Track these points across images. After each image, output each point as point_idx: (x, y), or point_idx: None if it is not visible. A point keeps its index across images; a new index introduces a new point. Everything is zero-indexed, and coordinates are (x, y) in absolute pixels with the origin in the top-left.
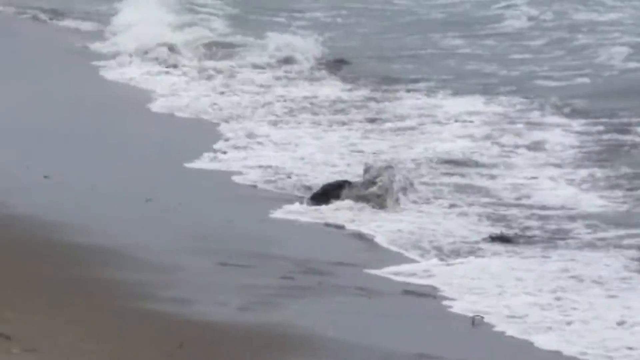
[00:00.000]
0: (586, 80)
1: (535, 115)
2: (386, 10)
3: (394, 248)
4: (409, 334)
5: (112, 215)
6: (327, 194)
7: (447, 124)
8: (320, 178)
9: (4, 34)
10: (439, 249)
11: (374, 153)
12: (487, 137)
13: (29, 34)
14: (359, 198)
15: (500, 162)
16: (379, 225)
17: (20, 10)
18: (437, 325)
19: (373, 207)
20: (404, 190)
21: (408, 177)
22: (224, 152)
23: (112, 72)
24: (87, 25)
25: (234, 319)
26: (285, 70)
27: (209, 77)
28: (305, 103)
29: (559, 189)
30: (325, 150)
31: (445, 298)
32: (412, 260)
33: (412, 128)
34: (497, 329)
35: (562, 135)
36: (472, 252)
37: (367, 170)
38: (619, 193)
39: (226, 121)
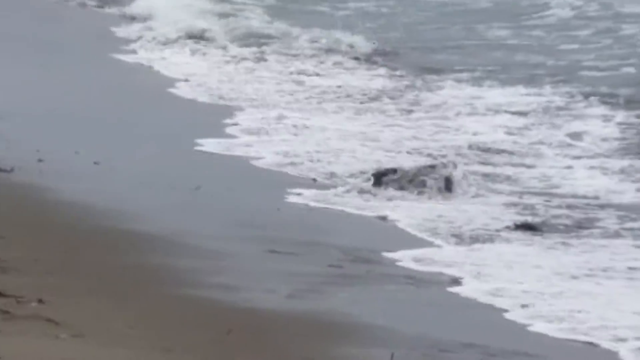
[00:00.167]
0: (631, 70)
1: (578, 106)
2: (431, 1)
3: (438, 240)
4: (457, 323)
5: (162, 201)
6: (377, 181)
7: (485, 114)
8: (354, 166)
9: (50, 20)
10: (473, 238)
11: (397, 141)
12: (526, 128)
13: (73, 21)
14: (412, 186)
15: (535, 152)
16: (422, 214)
17: None
18: (485, 315)
19: (428, 195)
20: (463, 178)
21: (462, 167)
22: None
23: (150, 57)
24: (130, 9)
25: (282, 306)
26: (322, 60)
27: (241, 63)
28: (340, 92)
29: (593, 179)
30: (360, 139)
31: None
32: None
33: (446, 118)
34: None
35: (603, 126)
36: (507, 241)
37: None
38: None
39: (258, 107)
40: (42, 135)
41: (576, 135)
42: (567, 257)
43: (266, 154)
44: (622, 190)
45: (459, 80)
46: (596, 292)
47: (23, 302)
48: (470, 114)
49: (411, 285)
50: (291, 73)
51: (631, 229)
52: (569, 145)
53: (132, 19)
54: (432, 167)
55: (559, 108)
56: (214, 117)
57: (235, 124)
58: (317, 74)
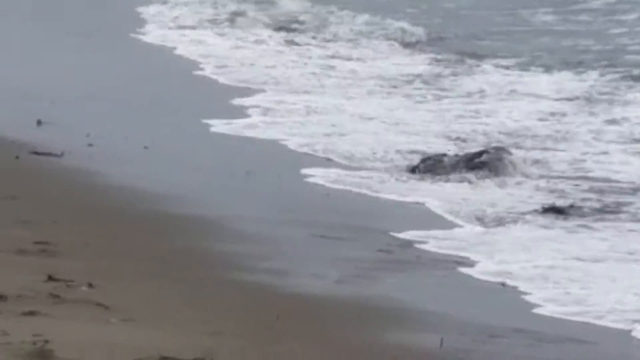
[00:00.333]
0: None
1: (621, 91)
2: None
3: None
4: (507, 308)
5: (211, 186)
6: (425, 166)
7: (524, 99)
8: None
9: (84, 6)
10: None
11: (427, 125)
12: (565, 113)
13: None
14: (459, 172)
15: (571, 137)
16: (467, 200)
17: None
18: (533, 302)
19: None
20: (515, 163)
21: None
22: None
23: (182, 40)
24: None
25: (331, 291)
26: (358, 45)
27: (276, 47)
28: (373, 76)
29: (628, 165)
30: (390, 124)
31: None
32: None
33: (482, 103)
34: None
35: None
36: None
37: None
38: None
39: (291, 91)
40: (91, 119)
41: (615, 121)
42: (593, 241)
43: (299, 139)
44: None
45: (502, 66)
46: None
47: (73, 286)
48: (509, 99)
49: (459, 270)
50: (323, 57)
51: None
52: (607, 130)
53: (164, 2)
54: (481, 153)
55: (602, 93)
56: (245, 100)
57: (270, 108)
58: (351, 59)
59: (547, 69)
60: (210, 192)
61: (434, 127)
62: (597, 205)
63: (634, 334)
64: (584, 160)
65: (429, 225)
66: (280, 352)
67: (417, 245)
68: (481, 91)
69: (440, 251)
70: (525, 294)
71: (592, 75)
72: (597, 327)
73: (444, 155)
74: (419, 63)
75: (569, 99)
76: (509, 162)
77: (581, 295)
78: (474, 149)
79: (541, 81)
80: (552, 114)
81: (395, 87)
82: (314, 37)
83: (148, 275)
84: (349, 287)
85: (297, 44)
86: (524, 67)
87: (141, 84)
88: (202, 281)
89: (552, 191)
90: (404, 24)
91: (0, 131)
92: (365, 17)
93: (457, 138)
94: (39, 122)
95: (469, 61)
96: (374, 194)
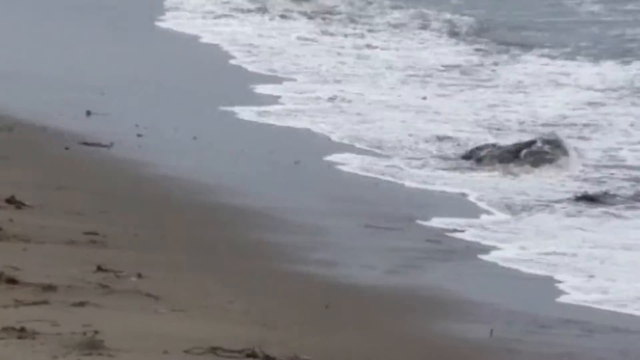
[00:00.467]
0: None
1: None
2: None
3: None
4: (555, 299)
5: (261, 177)
6: (474, 155)
7: (562, 89)
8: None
9: None
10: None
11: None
12: (605, 102)
13: None
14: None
15: (608, 126)
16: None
17: None
18: (583, 292)
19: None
20: (576, 150)
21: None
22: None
23: (213, 30)
24: None
25: (381, 281)
26: (401, 35)
27: (314, 37)
28: (416, 68)
29: None
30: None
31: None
32: None
33: (521, 92)
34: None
35: None
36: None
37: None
38: None
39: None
40: (140, 109)
41: None
42: (615, 228)
43: (332, 127)
44: None
45: (547, 56)
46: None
47: (122, 276)
48: (548, 89)
49: (505, 261)
50: (359, 47)
51: None
52: None
53: None
54: (529, 143)
55: None
56: (277, 88)
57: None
58: (387, 49)
59: (593, 59)
60: (261, 183)
61: (467, 116)
62: (630, 193)
63: None
64: (620, 149)
65: (475, 215)
66: (330, 342)
67: (464, 236)
68: (520, 81)
69: (485, 242)
70: (574, 286)
71: (638, 65)
72: None
73: (493, 145)
74: (460, 53)
75: (612, 89)
76: (562, 151)
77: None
78: (507, 137)
79: (584, 71)
80: (591, 103)
81: (429, 76)
82: (350, 27)
83: (197, 265)
84: (398, 277)
85: (331, 34)
86: (568, 57)
87: (179, 74)
88: (252, 272)
89: (585, 180)
90: (450, 15)
91: (50, 122)
92: (409, 9)
93: (492, 127)
94: (88, 113)
95: (513, 51)
96: (422, 185)
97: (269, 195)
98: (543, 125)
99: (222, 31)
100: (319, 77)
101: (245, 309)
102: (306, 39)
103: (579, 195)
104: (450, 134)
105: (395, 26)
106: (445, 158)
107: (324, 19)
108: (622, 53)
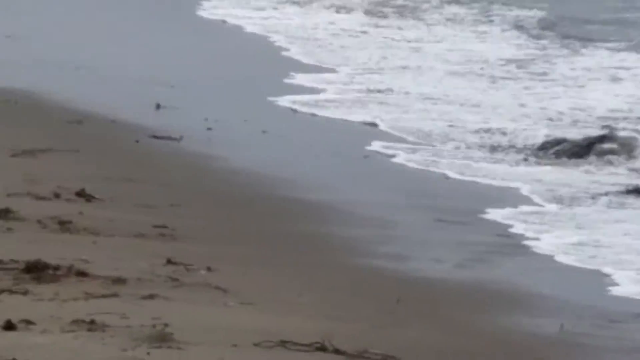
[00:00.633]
0: None
1: None
2: None
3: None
4: (625, 294)
5: (331, 170)
6: (546, 149)
7: (621, 83)
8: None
9: None
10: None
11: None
12: None
13: None
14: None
15: None
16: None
17: None
18: None
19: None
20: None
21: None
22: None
23: (264, 24)
24: None
25: (451, 275)
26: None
27: (366, 29)
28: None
29: None
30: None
31: None
32: None
33: (577, 86)
34: None
35: None
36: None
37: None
38: None
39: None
40: (209, 102)
41: None
42: None
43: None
44: None
45: (610, 49)
46: None
47: (192, 269)
48: (605, 83)
49: (571, 255)
50: (412, 40)
51: None
52: None
53: None
54: (602, 138)
55: None
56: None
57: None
58: (440, 41)
59: None
60: (331, 177)
61: (516, 109)
62: None
63: None
64: None
65: (540, 210)
66: (400, 336)
67: (530, 230)
68: (577, 75)
69: (551, 237)
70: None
71: None
72: None
73: (564, 139)
74: (521, 47)
75: None
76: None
77: None
78: (560, 130)
79: None
80: None
81: (482, 69)
82: (405, 20)
83: (267, 258)
84: (468, 271)
85: (385, 27)
86: (631, 50)
87: (238, 66)
88: (321, 265)
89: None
90: (516, 9)
91: (120, 115)
92: (473, 3)
93: (542, 120)
94: (158, 106)
95: (574, 45)
96: (488, 180)
97: (338, 189)
98: (598, 118)
99: (268, 22)
100: (371, 69)
101: (315, 303)
102: (360, 31)
103: (630, 188)
104: (501, 126)
105: (454, 20)
106: (504, 151)
107: (378, 12)
108: None
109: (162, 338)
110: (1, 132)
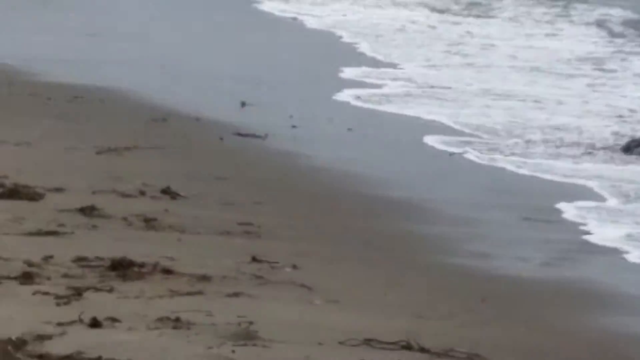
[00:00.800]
0: None
1: None
2: None
3: None
4: None
5: (416, 168)
6: (630, 147)
7: None
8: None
9: None
10: None
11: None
12: None
13: None
14: None
15: None
16: None
17: None
18: None
19: None
20: None
21: None
22: None
23: (335, 20)
24: None
25: (536, 274)
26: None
27: (434, 25)
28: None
29: None
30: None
31: None
32: None
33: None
34: None
35: None
36: None
37: None
38: None
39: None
40: (293, 100)
41: None
42: None
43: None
44: None
45: None
46: None
47: (277, 267)
48: None
49: None
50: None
51: None
52: None
53: None
54: None
55: None
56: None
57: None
58: (512, 39)
59: None
60: (416, 175)
61: (582, 106)
62: None
63: None
64: None
65: (625, 209)
66: (484, 335)
67: (613, 229)
68: None
69: (635, 236)
70: None
71: None
72: None
73: None
74: (598, 45)
75: None
76: None
77: None
78: (631, 127)
79: None
80: None
81: (552, 67)
82: (478, 16)
83: (352, 256)
84: (554, 270)
85: (455, 23)
86: None
87: (314, 63)
88: (406, 263)
89: None
90: (600, 8)
91: (205, 113)
92: (557, 1)
93: (618, 115)
94: (242, 104)
95: None
96: (565, 178)
97: (422, 187)
98: None
99: (333, 17)
100: (439, 65)
101: (400, 301)
102: (428, 26)
103: None
104: (569, 123)
105: (530, 18)
106: (574, 148)
107: (447, 8)
108: None
109: (247, 336)
110: (87, 129)
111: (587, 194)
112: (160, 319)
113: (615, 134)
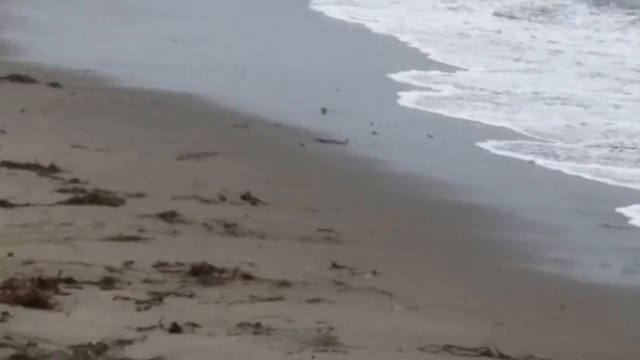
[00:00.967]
0: None
1: None
2: None
3: None
4: None
5: (497, 175)
6: None
7: None
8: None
9: None
10: None
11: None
12: None
13: None
14: None
15: None
16: None
17: None
18: None
19: None
20: None
21: None
22: None
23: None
24: None
25: (617, 281)
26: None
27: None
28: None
29: None
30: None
31: None
32: None
33: None
34: None
35: None
36: None
37: None
38: None
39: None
40: (374, 106)
41: None
42: None
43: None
44: None
45: None
46: None
47: (357, 273)
48: None
49: None
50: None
51: None
52: None
53: None
54: None
55: None
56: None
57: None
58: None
59: None
60: (497, 181)
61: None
62: None
63: None
64: None
65: None
66: (565, 342)
67: None
68: None
69: None
70: None
71: None
72: None
73: None
74: None
75: None
76: None
77: None
78: None
79: None
80: None
81: (616, 74)
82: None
83: (432, 263)
84: (635, 278)
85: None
86: None
87: (385, 68)
88: (487, 270)
89: None
90: None
91: (286, 119)
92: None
93: None
94: (323, 110)
95: None
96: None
97: (503, 193)
98: None
99: (396, 21)
100: (503, 69)
101: (480, 307)
102: (488, 30)
103: None
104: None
105: (601, 24)
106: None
107: (512, 13)
108: None
109: (327, 342)
110: (169, 135)
111: None
112: (241, 325)
113: None
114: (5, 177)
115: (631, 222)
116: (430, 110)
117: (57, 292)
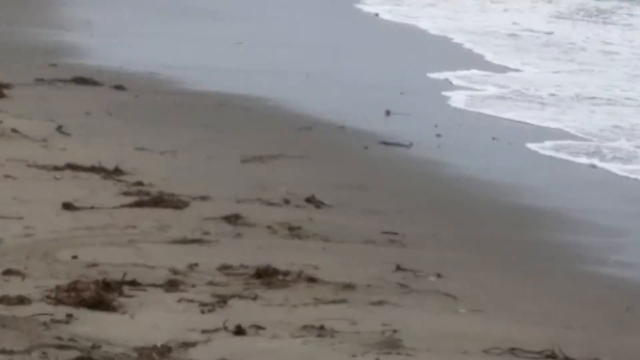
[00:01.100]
0: None
1: None
2: None
3: None
4: None
5: (557, 177)
6: None
7: None
8: None
9: None
10: None
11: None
12: None
13: None
14: None
15: None
16: None
17: None
18: None
19: None
20: None
21: None
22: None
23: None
24: None
25: None
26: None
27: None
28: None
29: None
30: None
31: None
32: None
33: None
34: None
35: None
36: None
37: None
38: None
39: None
40: (439, 109)
41: None
42: None
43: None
44: None
45: None
46: None
47: (421, 276)
48: None
49: None
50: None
51: None
52: None
53: None
54: None
55: None
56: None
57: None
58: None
59: None
60: (558, 184)
61: None
62: None
63: None
64: None
65: None
66: (628, 344)
67: None
68: None
69: None
70: None
71: None
72: None
73: None
74: None
75: None
76: None
77: None
78: None
79: None
80: None
81: None
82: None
83: (496, 265)
84: None
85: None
86: None
87: (445, 71)
88: (550, 272)
89: None
90: None
91: (350, 122)
92: None
93: None
94: (387, 113)
95: None
96: None
97: (565, 196)
98: None
99: (447, 21)
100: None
101: (544, 310)
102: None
103: None
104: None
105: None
106: None
107: (565, 14)
108: None
109: (391, 344)
110: (233, 138)
111: None
112: (305, 327)
113: None
114: (69, 180)
115: None
116: (491, 112)
117: (121, 294)
